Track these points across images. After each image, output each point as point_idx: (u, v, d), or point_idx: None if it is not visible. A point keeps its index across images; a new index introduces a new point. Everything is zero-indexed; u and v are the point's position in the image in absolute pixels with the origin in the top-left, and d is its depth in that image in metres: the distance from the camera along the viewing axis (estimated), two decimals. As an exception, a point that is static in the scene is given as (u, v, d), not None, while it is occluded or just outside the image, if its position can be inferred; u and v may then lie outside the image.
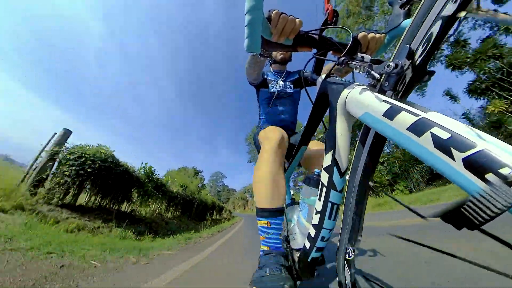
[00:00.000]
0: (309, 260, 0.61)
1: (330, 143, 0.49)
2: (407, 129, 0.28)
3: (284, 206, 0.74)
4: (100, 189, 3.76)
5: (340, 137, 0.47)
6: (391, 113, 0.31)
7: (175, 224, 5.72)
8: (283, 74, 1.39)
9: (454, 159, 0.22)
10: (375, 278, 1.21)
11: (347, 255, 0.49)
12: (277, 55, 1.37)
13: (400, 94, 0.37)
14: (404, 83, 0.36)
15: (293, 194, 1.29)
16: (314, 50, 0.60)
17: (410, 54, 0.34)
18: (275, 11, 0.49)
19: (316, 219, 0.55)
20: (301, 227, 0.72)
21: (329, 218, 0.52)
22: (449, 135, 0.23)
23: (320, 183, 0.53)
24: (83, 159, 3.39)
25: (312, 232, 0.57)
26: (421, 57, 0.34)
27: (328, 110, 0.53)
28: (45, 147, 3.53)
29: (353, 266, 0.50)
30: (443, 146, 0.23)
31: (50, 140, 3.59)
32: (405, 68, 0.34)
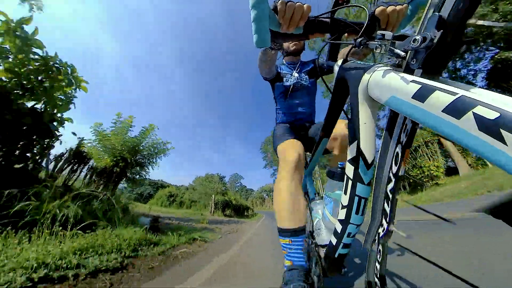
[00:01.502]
0: (336, 256, 0.58)
1: (354, 133, 0.46)
2: (443, 111, 0.24)
3: (304, 223, 0.75)
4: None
5: (364, 126, 0.44)
6: (422, 94, 0.27)
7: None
8: (297, 66, 1.34)
9: (505, 143, 0.19)
10: (405, 279, 1.11)
11: (377, 252, 0.46)
12: (289, 46, 1.31)
13: (431, 72, 0.33)
14: (436, 59, 0.32)
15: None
16: (328, 35, 0.56)
17: (441, 23, 0.29)
18: (281, 0, 0.46)
19: (342, 214, 0.53)
20: (327, 222, 0.69)
21: (357, 213, 0.49)
22: (498, 114, 0.19)
23: (345, 176, 0.50)
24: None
25: (339, 228, 0.55)
26: (455, 25, 0.29)
27: (348, 98, 0.49)
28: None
29: (383, 265, 0.47)
30: (490, 128, 0.20)
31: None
32: (435, 41, 0.29)
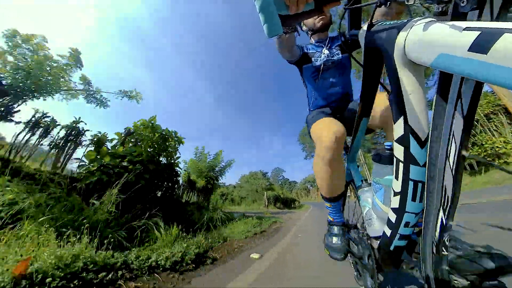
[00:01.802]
0: (391, 249, 0.51)
1: (398, 107, 0.39)
2: None
3: (343, 190, 0.91)
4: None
5: (410, 96, 0.37)
6: (483, 44, 0.20)
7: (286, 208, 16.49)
8: (326, 42, 1.20)
9: None
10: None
11: (435, 244, 0.39)
12: (315, 23, 1.18)
13: (492, 11, 0.24)
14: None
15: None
16: (344, 1, 0.49)
17: None
18: None
19: (395, 201, 0.46)
20: (378, 211, 0.62)
21: (413, 199, 0.42)
22: None
23: (394, 159, 0.44)
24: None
25: (393, 217, 0.48)
26: None
27: (384, 67, 0.42)
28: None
29: (444, 259, 0.39)
30: None
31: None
32: None
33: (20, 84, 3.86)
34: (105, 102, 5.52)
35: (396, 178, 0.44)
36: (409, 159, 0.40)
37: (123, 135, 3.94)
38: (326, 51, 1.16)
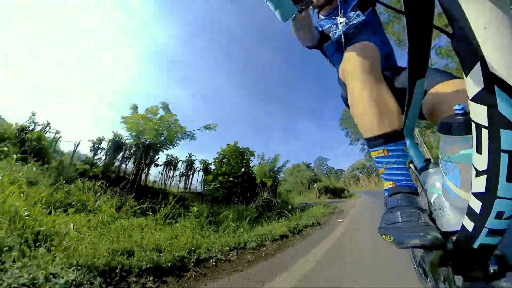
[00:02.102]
0: (474, 247, 0.38)
1: (467, 50, 0.28)
2: None
3: (402, 127, 0.59)
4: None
5: (489, 30, 0.25)
6: None
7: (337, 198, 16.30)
8: (338, 10, 1.04)
9: None
10: None
11: None
12: None
13: None
14: None
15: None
16: None
17: None
18: None
19: (479, 183, 0.33)
20: (452, 198, 0.47)
21: (509, 179, 0.29)
22: None
23: (473, 125, 0.32)
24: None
25: (476, 205, 0.35)
26: None
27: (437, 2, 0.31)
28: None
29: None
30: None
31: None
32: None
33: (157, 141, 6.51)
34: (194, 136, 7.50)
35: (479, 151, 0.32)
36: (497, 121, 0.28)
37: (218, 159, 6.97)
38: (341, 19, 0.99)
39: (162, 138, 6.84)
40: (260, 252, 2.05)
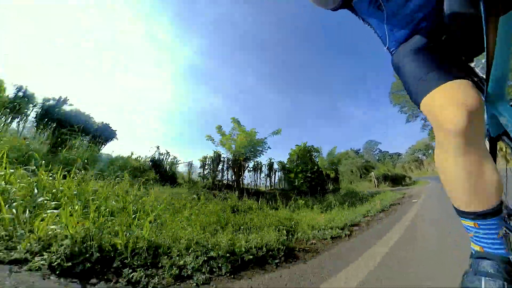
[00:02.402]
0: None
1: None
2: None
3: (500, 203, 0.50)
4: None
5: None
6: None
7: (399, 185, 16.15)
8: None
9: None
10: None
11: None
12: None
13: None
14: None
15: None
16: None
17: None
18: None
19: None
20: None
21: None
22: None
23: None
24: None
25: None
26: None
27: None
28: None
29: None
30: None
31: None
32: None
33: (247, 153, 8.96)
34: (266, 144, 9.68)
35: None
36: None
37: (290, 159, 9.58)
38: None
39: (251, 150, 9.31)
40: (374, 219, 3.66)
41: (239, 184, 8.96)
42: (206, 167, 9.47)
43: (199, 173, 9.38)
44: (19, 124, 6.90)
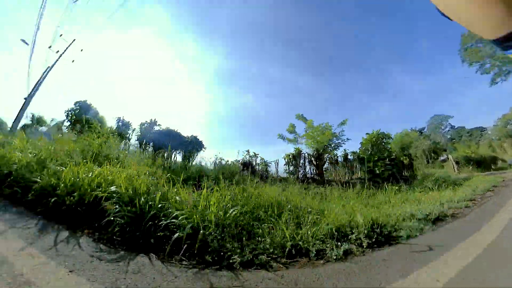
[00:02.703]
0: None
1: None
2: None
3: None
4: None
5: None
6: None
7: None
8: None
9: None
10: None
11: None
12: None
13: None
14: None
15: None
16: None
17: None
18: None
19: None
20: None
21: None
22: None
23: None
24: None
25: None
26: None
27: None
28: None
29: None
30: None
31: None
32: None
33: (328, 147, 10.86)
34: (340, 137, 11.17)
35: None
36: None
37: (362, 149, 10.43)
38: None
39: (329, 143, 10.90)
40: (484, 197, 4.69)
41: (323, 176, 10.39)
42: (290, 164, 10.87)
43: (285, 169, 10.81)
44: (125, 146, 9.05)
